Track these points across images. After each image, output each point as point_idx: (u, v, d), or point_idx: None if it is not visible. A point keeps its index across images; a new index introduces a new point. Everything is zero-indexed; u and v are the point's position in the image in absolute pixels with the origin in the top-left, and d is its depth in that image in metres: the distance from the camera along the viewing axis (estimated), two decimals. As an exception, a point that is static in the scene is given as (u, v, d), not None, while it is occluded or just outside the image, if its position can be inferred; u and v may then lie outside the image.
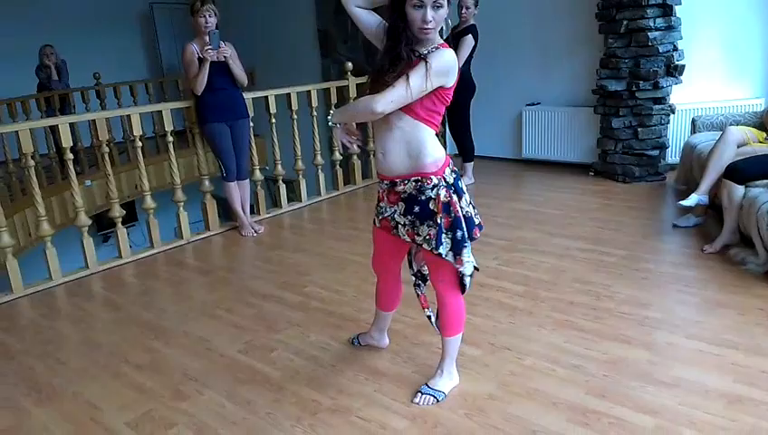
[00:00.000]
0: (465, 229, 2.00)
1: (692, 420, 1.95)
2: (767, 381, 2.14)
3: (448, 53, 1.88)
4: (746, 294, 2.84)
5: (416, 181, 1.99)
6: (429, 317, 2.31)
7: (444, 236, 1.98)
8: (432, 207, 1.98)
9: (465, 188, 2.07)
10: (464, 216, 2.02)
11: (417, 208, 2.00)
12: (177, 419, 2.19)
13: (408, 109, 1.91)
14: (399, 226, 2.07)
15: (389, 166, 2.01)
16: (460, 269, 2.02)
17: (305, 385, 2.34)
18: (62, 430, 2.18)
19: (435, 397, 2.16)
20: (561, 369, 2.31)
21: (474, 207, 2.10)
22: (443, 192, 1.97)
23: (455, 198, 1.99)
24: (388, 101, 1.84)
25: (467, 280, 2.06)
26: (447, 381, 2.22)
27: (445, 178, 1.98)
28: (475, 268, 2.07)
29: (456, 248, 1.99)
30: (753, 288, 2.89)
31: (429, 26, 1.83)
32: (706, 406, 2.02)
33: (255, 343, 2.72)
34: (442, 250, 1.98)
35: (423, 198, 1.98)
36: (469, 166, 5.24)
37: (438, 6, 1.82)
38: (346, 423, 2.09)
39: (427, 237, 1.99)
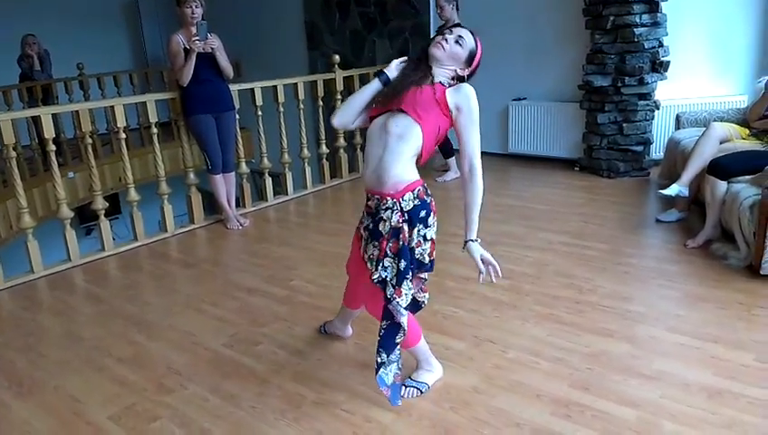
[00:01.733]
0: (410, 261, 1.95)
1: (673, 413, 1.98)
2: (747, 374, 2.18)
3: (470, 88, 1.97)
4: (727, 288, 2.88)
5: (376, 199, 1.98)
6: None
7: (389, 260, 1.95)
8: (381, 229, 1.95)
9: (428, 223, 1.99)
10: (411, 248, 1.96)
11: (371, 226, 2.00)
12: (161, 412, 2.18)
13: (412, 110, 1.90)
14: (362, 239, 2.08)
15: (367, 178, 2.01)
16: (397, 299, 1.94)
17: (290, 379, 2.34)
18: (44, 424, 2.16)
19: (418, 389, 2.17)
20: (545, 362, 2.33)
21: (429, 242, 2.01)
22: (395, 217, 1.93)
23: (405, 227, 1.93)
24: (479, 158, 1.98)
25: (402, 318, 1.97)
26: (429, 374, 2.23)
27: (400, 203, 1.93)
28: (420, 305, 2.07)
29: (398, 278, 1.94)
30: (734, 283, 2.93)
31: (444, 44, 1.98)
32: (687, 399, 2.05)
33: (240, 337, 2.71)
34: (376, 276, 1.95)
35: (377, 217, 1.97)
36: (452, 161, 5.23)
37: (459, 44, 1.98)
38: (331, 416, 2.09)
39: (370, 257, 1.99)
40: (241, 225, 4.36)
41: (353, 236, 2.22)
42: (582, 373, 2.24)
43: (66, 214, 3.74)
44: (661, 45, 4.80)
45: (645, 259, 3.32)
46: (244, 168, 4.66)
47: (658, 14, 4.69)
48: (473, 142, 1.97)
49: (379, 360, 2.02)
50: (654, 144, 5.10)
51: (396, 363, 2.04)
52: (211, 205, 4.64)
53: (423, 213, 1.96)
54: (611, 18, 4.70)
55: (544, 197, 4.60)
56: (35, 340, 2.82)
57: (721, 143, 3.66)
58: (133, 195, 4.06)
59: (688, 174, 3.63)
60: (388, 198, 1.94)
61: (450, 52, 1.98)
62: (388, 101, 1.97)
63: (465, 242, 2.02)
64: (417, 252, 1.97)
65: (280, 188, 5.10)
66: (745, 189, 3.14)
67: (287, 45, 7.92)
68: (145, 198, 4.21)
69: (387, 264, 1.95)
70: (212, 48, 3.92)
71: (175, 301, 3.18)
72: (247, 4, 8.21)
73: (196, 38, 3.83)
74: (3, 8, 7.63)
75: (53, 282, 3.57)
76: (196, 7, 3.86)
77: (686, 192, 3.65)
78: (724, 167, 3.31)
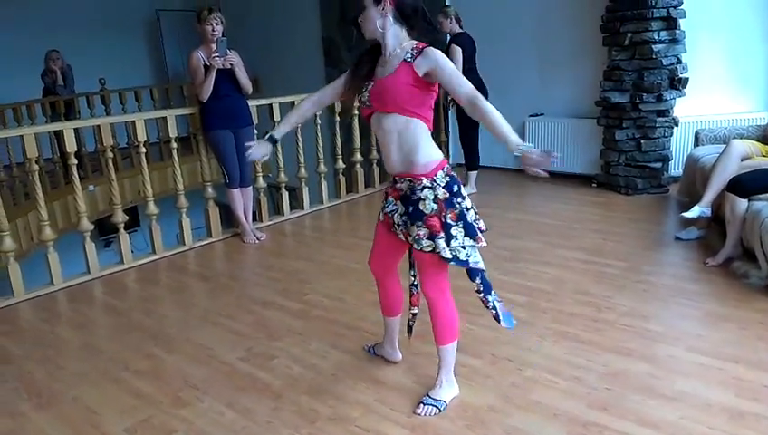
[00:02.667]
0: (468, 216, 2.04)
1: (693, 435, 1.94)
2: (769, 396, 2.13)
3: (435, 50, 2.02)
4: (748, 308, 2.83)
5: (409, 181, 2.04)
6: (415, 314, 2.37)
7: (455, 229, 2.00)
8: (422, 208, 2.00)
9: (464, 194, 2.06)
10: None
11: (410, 209, 2.04)
12: (177, 426, 2.18)
13: (399, 108, 1.98)
14: (395, 225, 2.13)
15: (391, 165, 2.09)
16: (474, 255, 2.05)
17: (304, 393, 2.33)
18: (61, 436, 2.18)
19: (437, 407, 2.16)
20: (563, 381, 2.30)
21: (475, 213, 2.11)
22: (440, 191, 2.00)
23: (452, 198, 2.02)
24: (474, 90, 1.95)
25: (481, 265, 2.08)
26: (448, 390, 2.21)
27: (435, 180, 2.00)
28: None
29: (470, 232, 2.02)
30: (755, 302, 2.88)
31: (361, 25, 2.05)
32: (708, 420, 2.01)
33: (256, 351, 2.71)
34: (445, 253, 1.98)
35: (414, 198, 2.02)
36: (473, 175, 5.25)
37: (362, 8, 2.03)
38: (345, 432, 2.08)
39: (416, 238, 2.02)
40: (257, 239, 4.38)
41: (376, 227, 2.26)
42: (601, 393, 2.21)
43: (86, 227, 3.79)
44: (680, 62, 4.77)
45: (664, 277, 3.28)
46: (261, 182, 4.70)
47: (677, 31, 4.67)
48: (462, 84, 1.95)
49: (489, 306, 2.15)
50: (673, 161, 5.06)
51: (492, 294, 2.15)
52: (228, 218, 4.67)
53: (456, 187, 2.03)
54: (629, 35, 4.69)
55: (561, 213, 4.57)
56: (54, 352, 2.85)
57: (741, 160, 3.62)
58: (152, 208, 4.11)
59: (710, 194, 3.58)
60: (423, 178, 2.00)
61: (365, 23, 2.03)
62: (375, 108, 2.05)
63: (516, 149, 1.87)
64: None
65: (296, 203, 5.13)
66: (767, 207, 3.09)
67: (305, 61, 8.00)
68: (163, 211, 4.25)
69: (454, 232, 2.00)
70: (231, 64, 3.97)
71: (192, 314, 3.20)
72: (266, 22, 8.32)
73: (216, 54, 3.88)
74: (28, 24, 7.82)
75: (73, 294, 3.61)
76: (216, 24, 3.92)
77: (708, 213, 3.60)
78: (744, 184, 3.27)
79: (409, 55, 2.00)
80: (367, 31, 2.06)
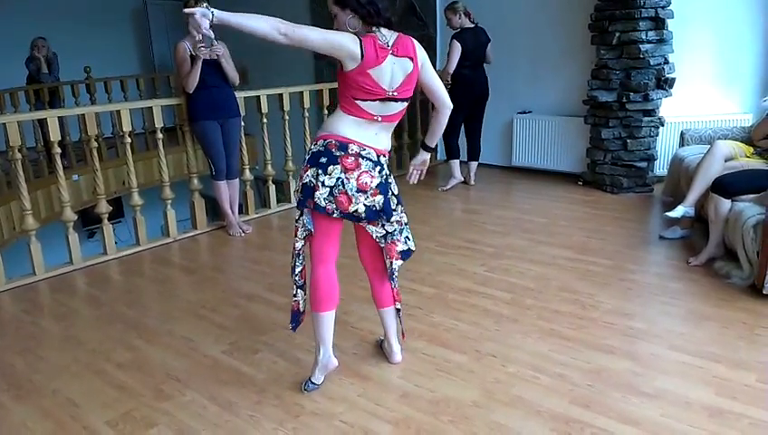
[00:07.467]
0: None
1: (674, 432, 1.96)
2: (749, 394, 2.16)
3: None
4: (730, 307, 2.86)
5: None
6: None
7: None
8: None
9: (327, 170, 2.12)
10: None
11: None
12: (159, 419, 2.17)
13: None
14: None
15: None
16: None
17: (288, 388, 2.33)
18: (42, 428, 2.16)
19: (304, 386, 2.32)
20: (546, 377, 2.31)
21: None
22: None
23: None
24: None
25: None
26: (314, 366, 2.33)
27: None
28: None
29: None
30: (736, 301, 2.91)
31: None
32: (689, 418, 2.04)
33: (240, 344, 2.70)
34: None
35: None
36: (451, 163, 5.27)
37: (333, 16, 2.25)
38: (329, 427, 2.08)
39: None
40: (243, 231, 4.36)
41: None
42: (583, 390, 2.23)
43: (69, 217, 3.74)
44: (667, 62, 4.81)
45: (648, 276, 3.31)
46: (247, 174, 4.67)
47: (664, 31, 4.70)
48: None
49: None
50: (658, 160, 5.10)
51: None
52: (214, 211, 4.65)
53: (324, 159, 2.13)
54: (617, 34, 4.71)
55: (547, 210, 4.59)
56: (35, 343, 2.82)
57: (726, 161, 3.66)
58: (137, 199, 4.07)
59: (694, 194, 3.61)
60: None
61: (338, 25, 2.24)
62: None
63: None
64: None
65: (283, 196, 5.11)
66: (749, 208, 3.13)
67: (294, 54, 7.93)
68: (148, 202, 4.21)
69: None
70: (217, 55, 3.93)
71: (175, 306, 3.18)
72: (255, 12, 8.25)
73: (202, 45, 3.84)
74: (13, 11, 7.70)
75: (55, 284, 3.57)
76: (203, 14, 3.87)
77: (691, 212, 3.63)
78: (727, 185, 3.30)
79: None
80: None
